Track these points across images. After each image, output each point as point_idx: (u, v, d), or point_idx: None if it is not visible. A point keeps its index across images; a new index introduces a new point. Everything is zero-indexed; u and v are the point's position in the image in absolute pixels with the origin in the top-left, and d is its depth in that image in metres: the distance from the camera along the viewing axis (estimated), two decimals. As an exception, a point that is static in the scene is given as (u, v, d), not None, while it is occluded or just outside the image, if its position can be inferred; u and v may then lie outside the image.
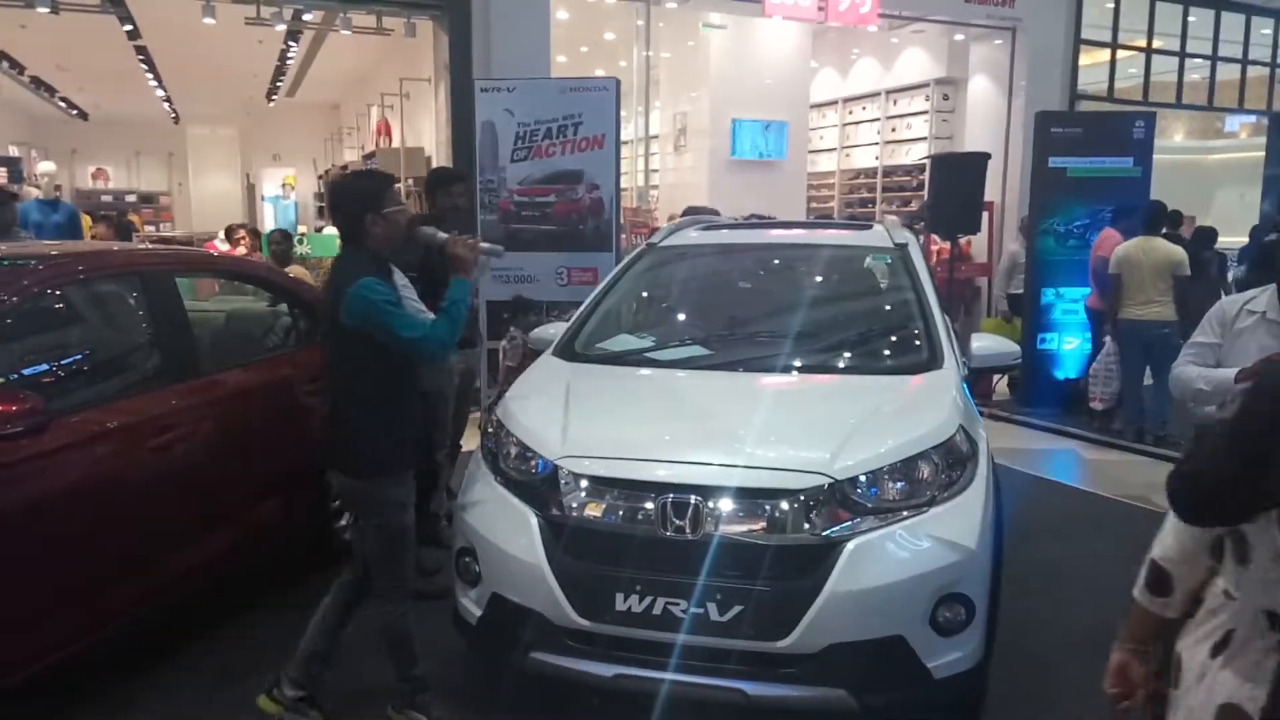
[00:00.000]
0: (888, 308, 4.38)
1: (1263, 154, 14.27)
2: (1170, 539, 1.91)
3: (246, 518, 4.05)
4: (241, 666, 3.67)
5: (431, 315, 3.24)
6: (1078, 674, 3.78)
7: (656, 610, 2.90)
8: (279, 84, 17.26)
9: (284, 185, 20.33)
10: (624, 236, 8.49)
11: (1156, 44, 12.39)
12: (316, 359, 3.93)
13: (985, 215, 9.96)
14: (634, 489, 3.06)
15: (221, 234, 11.14)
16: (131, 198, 22.84)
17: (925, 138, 13.43)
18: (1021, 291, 8.98)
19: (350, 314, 2.98)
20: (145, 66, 14.89)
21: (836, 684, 2.88)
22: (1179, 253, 7.23)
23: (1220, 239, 9.88)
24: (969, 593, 2.98)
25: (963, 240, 9.95)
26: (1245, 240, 10.51)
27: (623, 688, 3.01)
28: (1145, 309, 7.20)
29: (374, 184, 3.23)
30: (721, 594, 2.87)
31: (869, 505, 3.00)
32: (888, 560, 2.92)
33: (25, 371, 3.42)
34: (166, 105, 19.32)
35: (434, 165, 9.56)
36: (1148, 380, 7.51)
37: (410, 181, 11.16)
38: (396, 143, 12.79)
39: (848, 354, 4.01)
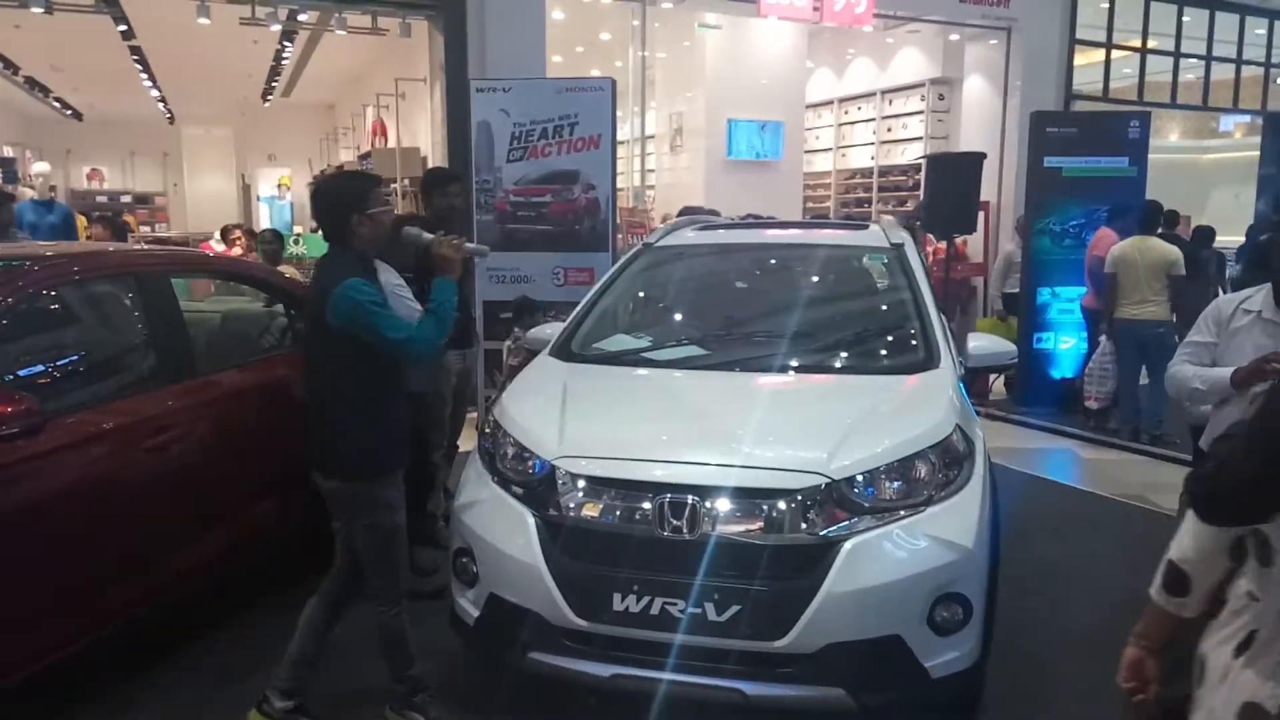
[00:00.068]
0: (884, 307, 4.39)
1: (1257, 153, 14.30)
2: (1189, 540, 1.91)
3: (243, 518, 4.05)
4: (241, 666, 3.67)
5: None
6: (1075, 673, 3.80)
7: (654, 610, 2.90)
8: (274, 84, 17.23)
9: (279, 185, 20.30)
10: (620, 237, 8.48)
11: (1151, 44, 12.41)
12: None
13: (981, 215, 9.98)
14: (631, 489, 3.06)
15: (217, 234, 11.14)
16: (126, 198, 22.80)
17: (921, 138, 13.44)
18: (1017, 291, 8.99)
19: (337, 314, 2.97)
20: (140, 67, 14.86)
21: (834, 683, 2.89)
22: (1174, 252, 7.24)
23: (1217, 238, 9.90)
24: (966, 592, 2.99)
25: (958, 240, 9.97)
26: (1242, 239, 10.53)
27: (620, 688, 3.01)
28: (1140, 308, 7.22)
29: (359, 185, 3.22)
30: (719, 594, 2.87)
31: (866, 505, 3.00)
32: (885, 560, 2.92)
33: (21, 373, 3.41)
34: (161, 105, 19.28)
35: (430, 165, 9.56)
36: (1143, 379, 7.53)
37: (406, 182, 11.17)
38: (392, 143, 12.77)
39: (844, 354, 4.01)
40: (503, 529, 3.18)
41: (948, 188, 8.45)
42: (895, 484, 3.07)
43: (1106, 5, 12.02)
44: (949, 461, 3.15)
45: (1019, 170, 10.10)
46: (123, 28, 11.78)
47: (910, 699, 2.98)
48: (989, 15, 11.03)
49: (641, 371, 3.99)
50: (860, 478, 3.02)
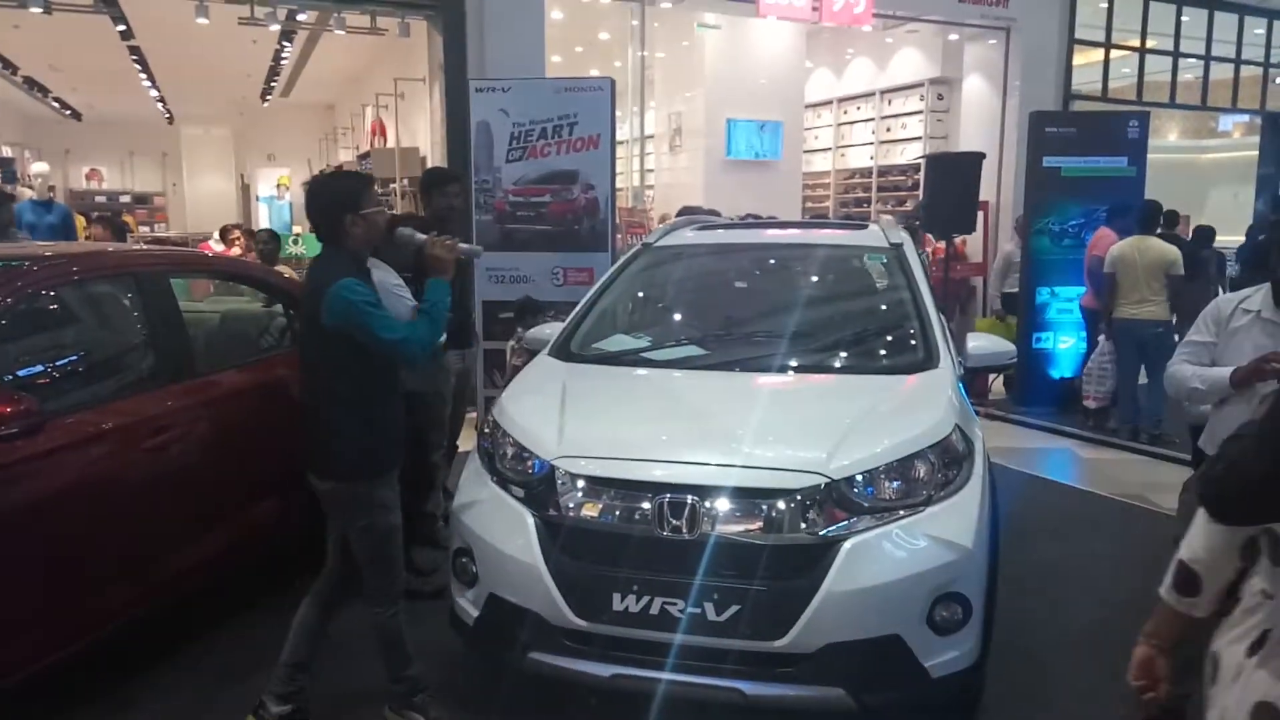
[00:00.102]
0: (883, 307, 4.39)
1: (1256, 153, 14.35)
2: (1199, 540, 1.91)
3: (243, 518, 4.05)
4: (241, 666, 3.67)
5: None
6: (1074, 672, 3.80)
7: (654, 610, 2.90)
8: (273, 84, 17.23)
9: (279, 185, 20.29)
10: (619, 237, 8.48)
11: (1150, 44, 12.42)
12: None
13: (980, 215, 9.98)
14: (630, 489, 3.06)
15: (216, 234, 11.13)
16: (125, 198, 22.80)
17: (920, 137, 13.46)
18: (1016, 290, 8.99)
19: (331, 314, 2.97)
20: (139, 66, 14.85)
21: (834, 683, 2.89)
22: (1173, 252, 7.25)
23: (1216, 238, 9.91)
24: (966, 592, 2.99)
25: (958, 240, 9.97)
26: (1241, 239, 10.55)
27: (620, 688, 3.01)
28: (1139, 308, 7.22)
29: (352, 185, 3.22)
30: (719, 594, 2.87)
31: (865, 505, 3.00)
32: (884, 559, 2.92)
33: (20, 373, 3.41)
34: (160, 105, 19.27)
35: (429, 165, 9.56)
36: (1142, 379, 7.53)
37: (405, 182, 11.16)
38: (391, 143, 12.78)
39: (843, 354, 4.01)
40: (502, 529, 3.18)
41: (947, 188, 8.45)
42: (895, 484, 3.07)
43: (1105, 5, 12.03)
44: (948, 461, 3.15)
45: (1018, 170, 10.10)
46: (121, 28, 11.77)
47: (910, 699, 2.98)
48: (988, 15, 11.04)
49: (641, 371, 3.99)
50: (860, 477, 3.02)
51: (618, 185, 8.08)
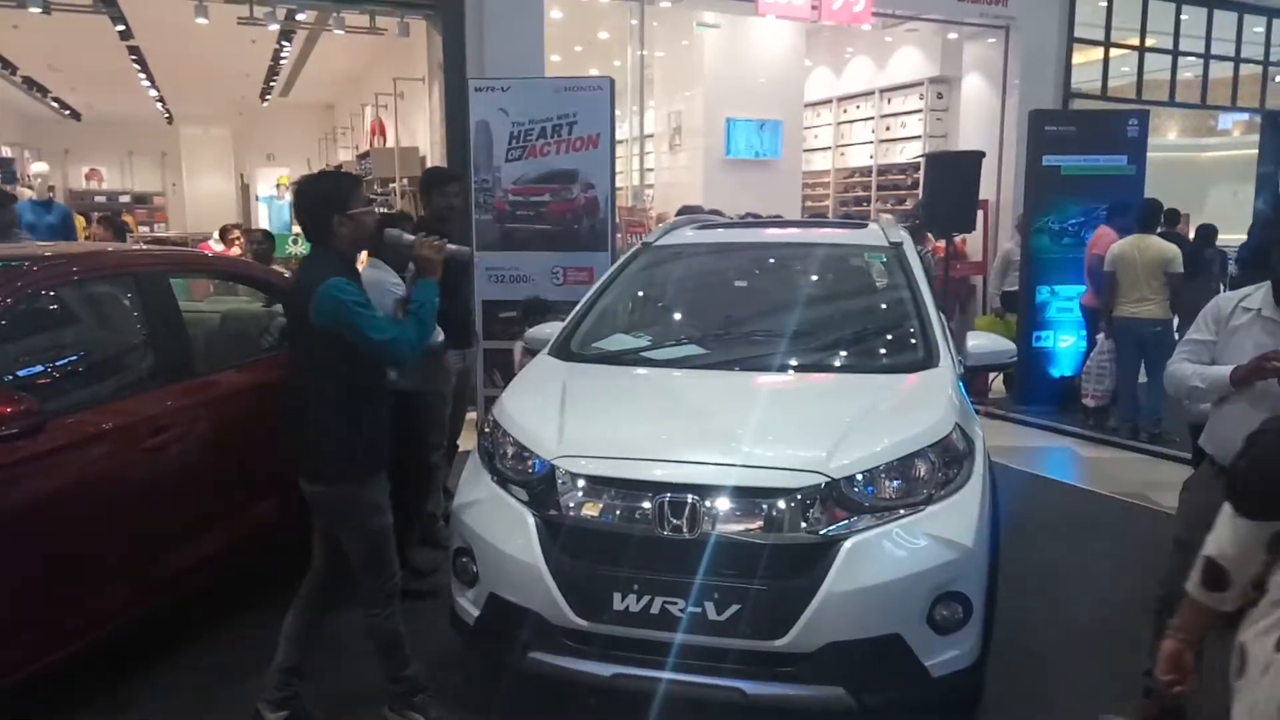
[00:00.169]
0: (883, 306, 4.39)
1: (1256, 151, 14.34)
2: (1226, 535, 1.92)
3: (243, 517, 4.05)
4: (241, 666, 3.66)
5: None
6: (1075, 671, 3.80)
7: (654, 610, 2.90)
8: (272, 84, 17.21)
9: (278, 185, 20.26)
10: (619, 236, 8.48)
11: (1149, 42, 12.42)
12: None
13: (980, 214, 9.98)
14: (631, 488, 3.06)
15: (216, 234, 11.13)
16: (125, 198, 22.79)
17: (919, 136, 13.46)
18: (1015, 289, 8.99)
19: (320, 314, 2.96)
20: (138, 66, 14.84)
21: (834, 682, 2.89)
22: (1171, 249, 7.24)
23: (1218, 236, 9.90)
24: (966, 591, 2.99)
25: (957, 239, 9.96)
26: (1243, 238, 10.53)
27: (621, 687, 3.01)
28: (1139, 306, 7.22)
29: (340, 185, 3.20)
30: (719, 593, 2.87)
31: (866, 504, 3.00)
32: (885, 559, 2.92)
33: (20, 373, 3.41)
34: (159, 105, 19.26)
35: (429, 165, 9.56)
36: (1142, 378, 7.53)
37: (405, 181, 11.16)
38: (391, 143, 12.77)
39: (844, 353, 4.01)
40: (502, 528, 3.18)
41: (946, 186, 8.45)
42: (895, 483, 3.07)
43: (1105, 3, 12.03)
44: (949, 460, 3.15)
45: (1018, 169, 10.10)
46: (121, 28, 11.76)
47: (910, 698, 2.98)
48: (987, 14, 11.04)
49: (641, 371, 3.99)
50: (860, 476, 3.02)
51: (617, 185, 8.08)
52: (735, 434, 3.22)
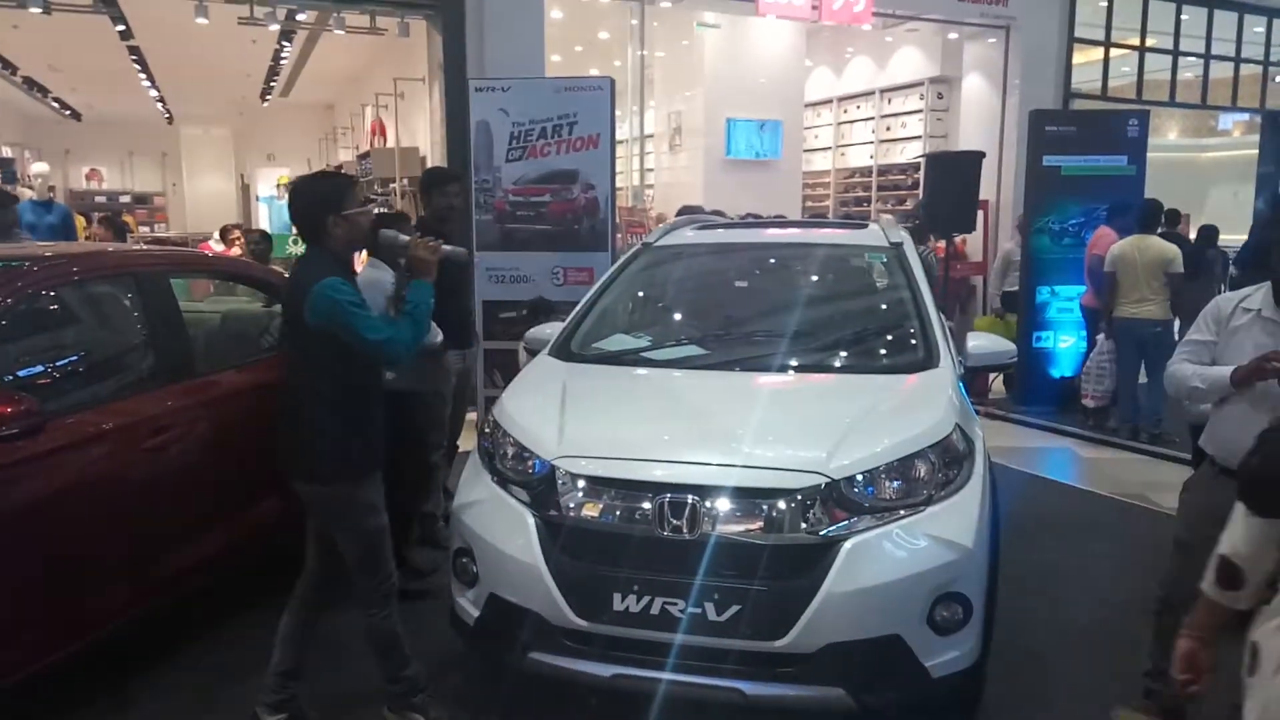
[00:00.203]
0: (883, 307, 4.39)
1: (1256, 152, 14.33)
2: (1239, 534, 1.92)
3: (243, 518, 4.05)
4: (242, 666, 3.66)
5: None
6: (1075, 672, 3.80)
7: (654, 610, 2.90)
8: (273, 84, 17.22)
9: (278, 185, 20.28)
10: (619, 236, 8.48)
11: (1150, 42, 12.42)
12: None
13: (980, 214, 9.98)
14: (631, 489, 3.06)
15: (216, 234, 11.13)
16: (125, 198, 22.80)
17: (920, 136, 13.46)
18: (1016, 289, 9.00)
19: (315, 313, 2.95)
20: (138, 67, 14.84)
21: (834, 683, 2.89)
22: (1172, 249, 7.24)
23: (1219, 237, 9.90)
24: (966, 592, 2.99)
25: (958, 239, 9.96)
26: (1244, 238, 10.54)
27: (621, 688, 3.01)
28: (1139, 307, 7.22)
29: (334, 185, 3.19)
30: (719, 594, 2.87)
31: (866, 504, 3.00)
32: (885, 559, 2.92)
33: (21, 373, 3.41)
34: (160, 105, 19.26)
35: (429, 165, 9.56)
36: (1142, 378, 7.53)
37: (405, 181, 11.16)
38: (391, 143, 12.77)
39: (844, 353, 4.01)
40: (502, 529, 3.17)
41: (947, 187, 8.45)
42: (895, 483, 3.07)
43: (1105, 4, 12.03)
44: (949, 461, 3.15)
45: (1018, 169, 10.10)
46: (121, 28, 11.76)
47: (910, 699, 2.98)
48: (988, 14, 11.04)
49: (641, 371, 3.99)
50: (860, 477, 3.02)
51: (618, 185, 8.08)
52: (735, 434, 3.22)
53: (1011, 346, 4.16)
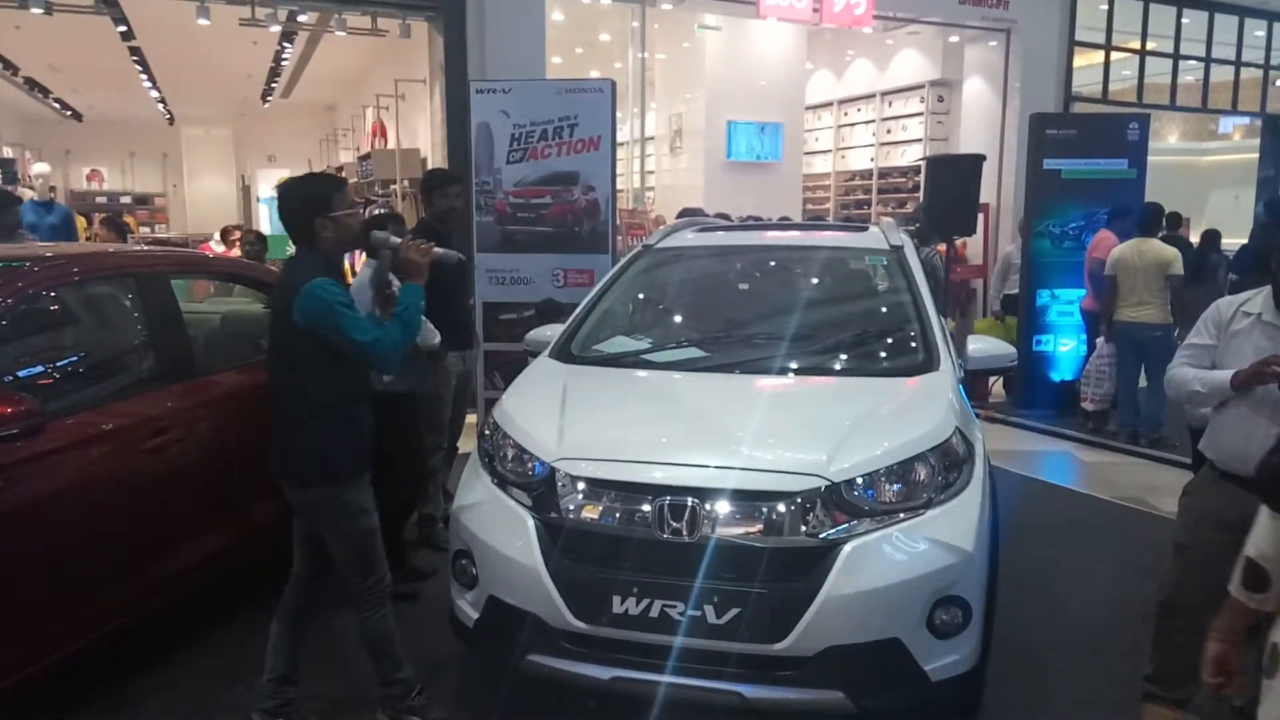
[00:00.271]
0: (884, 310, 4.38)
1: (1256, 155, 14.35)
2: (1264, 536, 1.93)
3: (243, 518, 4.04)
4: (242, 666, 3.65)
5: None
6: (1075, 675, 3.80)
7: (654, 613, 2.90)
8: (274, 85, 17.24)
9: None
10: (620, 239, 8.48)
11: (1150, 46, 12.43)
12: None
13: (980, 217, 9.98)
14: (631, 491, 3.05)
15: (217, 235, 11.14)
16: (126, 199, 22.81)
17: (920, 139, 13.48)
18: (1016, 292, 9.00)
19: (303, 314, 2.94)
20: (139, 67, 14.86)
21: (834, 686, 2.88)
22: (1171, 252, 7.23)
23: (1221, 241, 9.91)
24: (966, 595, 2.98)
25: (958, 242, 9.97)
26: (1245, 241, 10.55)
27: (620, 690, 3.01)
28: (1139, 311, 7.22)
29: (322, 187, 3.18)
30: (719, 596, 2.86)
31: (866, 507, 3.00)
32: (885, 562, 2.92)
33: (21, 373, 3.41)
34: (161, 106, 19.28)
35: (430, 167, 9.56)
36: (1142, 382, 7.53)
37: (406, 183, 11.16)
38: (392, 144, 12.77)
39: (844, 356, 4.01)
40: (502, 531, 3.17)
41: (947, 190, 8.44)
42: (895, 486, 3.07)
43: (1105, 7, 12.04)
44: (949, 464, 3.15)
45: (1018, 172, 10.11)
46: (122, 28, 11.78)
47: (910, 702, 2.98)
48: (988, 17, 11.05)
49: (641, 373, 3.98)
50: (860, 480, 3.02)
51: (618, 187, 8.08)
52: (735, 437, 3.22)
53: (1011, 350, 4.16)
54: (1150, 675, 3.29)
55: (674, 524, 2.94)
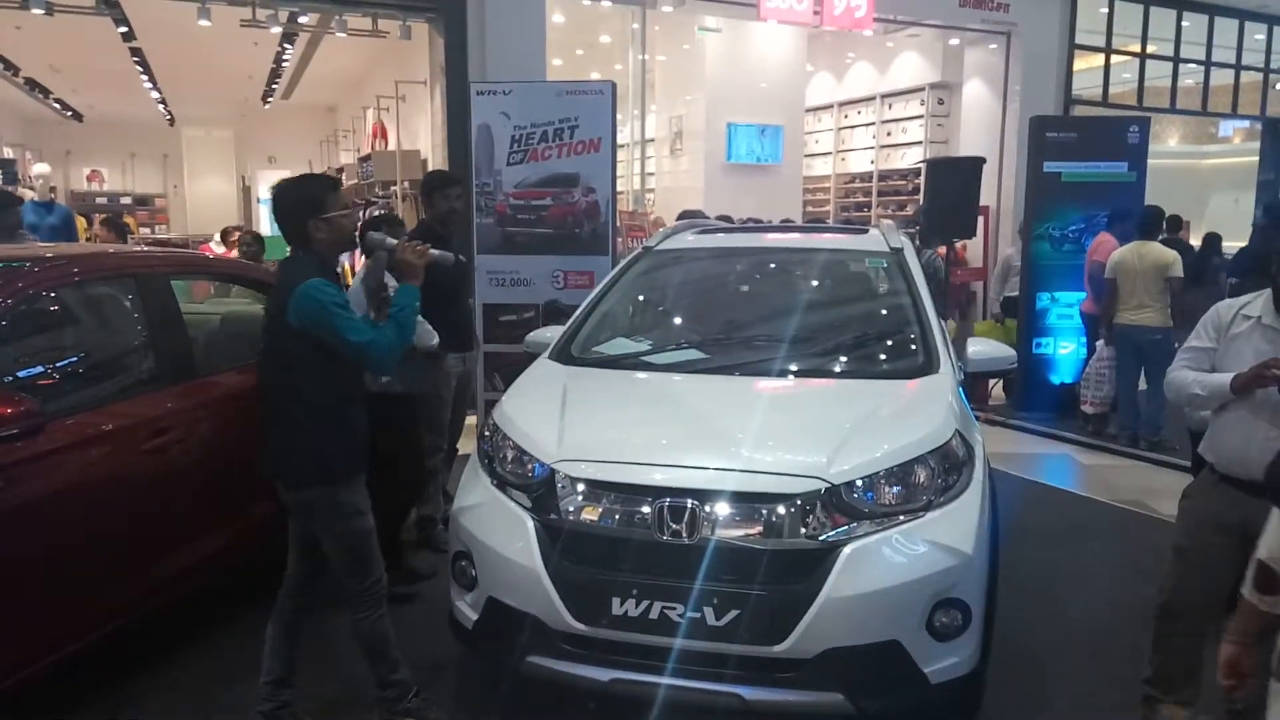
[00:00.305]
0: (884, 312, 4.39)
1: (1256, 159, 14.36)
2: (1277, 538, 1.93)
3: (243, 519, 4.04)
4: (242, 667, 3.65)
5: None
6: (1075, 678, 3.80)
7: (653, 615, 2.90)
8: (274, 86, 17.25)
9: (277, 188, 20.26)
10: (620, 240, 8.48)
11: (1150, 49, 12.44)
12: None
13: (980, 220, 9.99)
14: (630, 493, 3.05)
15: (217, 236, 11.14)
16: (126, 200, 22.81)
17: (920, 142, 13.49)
18: (1016, 294, 9.00)
19: (298, 314, 2.94)
20: (140, 68, 14.87)
21: (833, 688, 2.88)
22: (1170, 254, 7.23)
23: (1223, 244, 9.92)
24: (965, 597, 2.99)
25: (958, 245, 9.97)
26: (1244, 245, 10.56)
27: (619, 692, 3.00)
28: (1139, 314, 7.22)
29: (315, 189, 3.16)
30: (718, 598, 2.87)
31: (865, 510, 3.00)
32: (884, 565, 2.92)
33: (21, 374, 3.41)
34: (161, 107, 19.29)
35: (430, 168, 9.56)
36: (1142, 385, 7.53)
37: (406, 184, 11.16)
38: (392, 145, 12.77)
39: (844, 358, 4.01)
40: (502, 532, 3.17)
41: (947, 192, 8.45)
42: (895, 489, 3.07)
43: (1106, 10, 12.05)
44: (949, 467, 3.15)
45: (1018, 175, 10.12)
46: (123, 29, 11.79)
47: (909, 704, 2.98)
48: (989, 20, 11.06)
49: (641, 375, 3.99)
50: (860, 482, 3.02)
51: (618, 189, 8.08)
52: (735, 439, 3.22)
53: (1011, 352, 4.16)
54: (1150, 678, 3.29)
55: (674, 526, 2.94)
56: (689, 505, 2.94)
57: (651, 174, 14.00)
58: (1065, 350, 8.66)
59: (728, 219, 8.39)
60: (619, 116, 7.50)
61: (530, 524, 3.11)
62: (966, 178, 8.44)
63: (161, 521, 3.63)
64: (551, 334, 4.35)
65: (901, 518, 3.00)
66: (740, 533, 2.96)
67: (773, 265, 5.01)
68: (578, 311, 4.43)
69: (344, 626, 3.35)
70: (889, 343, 4.13)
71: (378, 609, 3.20)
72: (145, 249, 5.47)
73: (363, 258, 4.79)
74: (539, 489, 3.18)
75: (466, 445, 5.10)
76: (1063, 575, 4.88)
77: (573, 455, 3.18)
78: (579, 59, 13.91)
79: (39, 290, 3.46)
